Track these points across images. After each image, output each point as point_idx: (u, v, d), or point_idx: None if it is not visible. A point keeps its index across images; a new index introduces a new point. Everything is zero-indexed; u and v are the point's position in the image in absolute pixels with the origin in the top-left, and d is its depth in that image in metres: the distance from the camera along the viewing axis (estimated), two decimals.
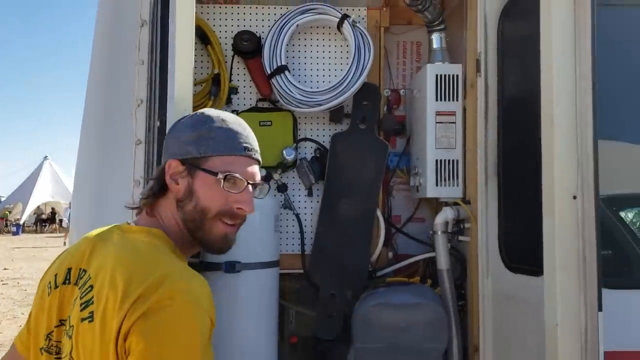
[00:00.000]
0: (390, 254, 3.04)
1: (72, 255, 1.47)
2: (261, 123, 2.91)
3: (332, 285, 2.82)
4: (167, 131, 1.71)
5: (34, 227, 33.77)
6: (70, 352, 1.32)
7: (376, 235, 2.93)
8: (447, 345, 2.63)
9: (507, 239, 2.47)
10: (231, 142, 1.48)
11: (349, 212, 2.83)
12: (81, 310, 1.32)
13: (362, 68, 2.77)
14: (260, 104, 2.97)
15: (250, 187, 1.49)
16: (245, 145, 1.49)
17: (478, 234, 2.58)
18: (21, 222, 31.60)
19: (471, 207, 2.71)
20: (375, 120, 2.88)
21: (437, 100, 2.77)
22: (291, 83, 2.78)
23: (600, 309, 1.92)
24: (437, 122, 2.76)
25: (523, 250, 2.38)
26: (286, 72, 2.79)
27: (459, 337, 2.69)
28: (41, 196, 32.94)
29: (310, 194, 2.96)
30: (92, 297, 1.31)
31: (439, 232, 2.72)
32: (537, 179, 2.14)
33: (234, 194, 1.45)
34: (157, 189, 1.49)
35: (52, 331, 1.40)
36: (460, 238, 2.76)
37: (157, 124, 2.05)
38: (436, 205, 3.07)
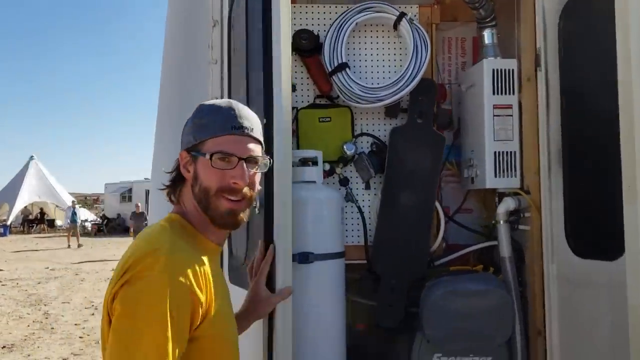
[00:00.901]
0: (444, 244, 3.11)
1: None
2: (320, 119, 2.97)
3: (393, 275, 2.89)
4: None
5: (21, 228, 33.38)
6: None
7: (435, 226, 3.00)
8: (512, 330, 2.72)
9: (574, 225, 2.56)
10: (221, 124, 1.62)
11: (409, 203, 2.90)
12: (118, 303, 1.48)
13: (421, 64, 2.84)
14: (317, 101, 3.02)
15: (243, 162, 1.61)
16: (233, 124, 1.62)
17: (543, 222, 2.67)
18: (8, 223, 31.21)
19: (530, 196, 2.79)
20: (431, 114, 2.95)
21: (494, 94, 2.84)
22: (352, 80, 2.85)
23: None
24: (494, 115, 2.85)
25: (594, 236, 2.47)
26: (347, 69, 2.85)
27: (521, 323, 2.78)
28: (28, 196, 32.56)
29: (367, 187, 3.02)
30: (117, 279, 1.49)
31: (502, 222, 2.81)
32: (604, 166, 2.23)
33: (227, 170, 1.60)
34: (178, 179, 1.67)
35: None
36: (520, 227, 2.84)
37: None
38: (484, 196, 3.15)
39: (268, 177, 1.92)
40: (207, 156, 1.59)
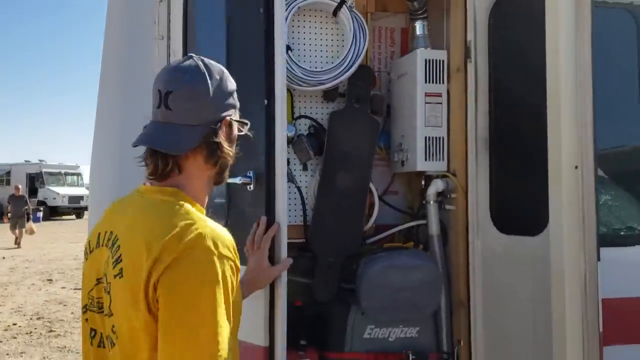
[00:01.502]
0: (374, 224, 3.29)
1: (100, 222, 1.61)
2: None
3: (329, 252, 3.03)
4: None
5: None
6: (109, 306, 1.48)
7: (369, 207, 3.17)
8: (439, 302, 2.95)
9: (498, 204, 2.81)
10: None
11: (346, 184, 3.05)
12: (113, 268, 1.46)
13: (359, 51, 2.99)
14: None
15: None
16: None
17: (469, 201, 2.91)
18: None
19: (457, 179, 3.02)
20: (367, 100, 3.11)
21: (425, 82, 3.04)
22: (294, 62, 2.94)
23: (599, 259, 2.31)
24: (426, 103, 3.04)
25: (517, 214, 2.74)
26: (289, 52, 2.93)
27: (446, 294, 3.02)
28: None
29: (305, 168, 3.13)
30: (120, 254, 1.46)
31: (432, 202, 3.02)
32: (528, 149, 2.49)
33: None
34: (204, 147, 1.64)
35: (92, 289, 1.55)
36: (447, 207, 3.07)
37: None
38: (409, 178, 3.36)
39: (269, 157, 1.99)
40: (248, 126, 1.61)
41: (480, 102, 2.90)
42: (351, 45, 2.98)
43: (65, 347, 7.59)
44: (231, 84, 1.60)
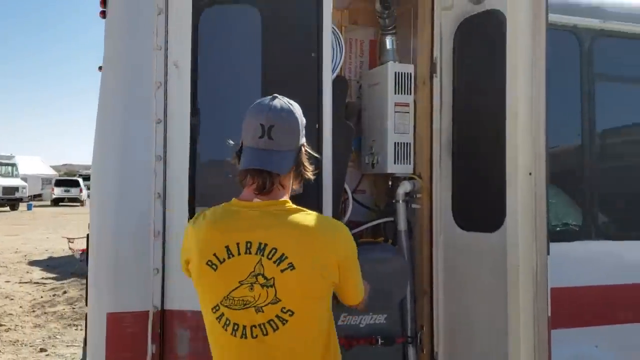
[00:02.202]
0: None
1: (212, 237, 1.93)
2: None
3: None
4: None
5: None
6: (275, 295, 1.85)
7: (342, 204, 3.48)
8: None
9: (460, 204, 3.17)
10: None
11: None
12: (277, 264, 1.85)
13: (337, 62, 3.29)
14: None
15: None
16: None
17: (433, 201, 3.26)
18: None
19: (422, 181, 3.37)
20: (343, 107, 3.41)
21: (395, 93, 3.37)
22: None
23: (548, 253, 2.69)
24: (395, 112, 3.37)
25: (477, 213, 3.10)
26: None
27: (411, 284, 3.37)
28: None
29: None
30: (283, 254, 1.85)
31: (400, 201, 3.35)
32: (487, 156, 2.85)
33: None
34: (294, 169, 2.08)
35: (233, 291, 1.88)
36: (413, 206, 3.41)
37: None
38: (375, 179, 3.69)
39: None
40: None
41: (444, 113, 3.25)
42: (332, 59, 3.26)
43: (17, 340, 7.59)
44: (303, 117, 2.03)
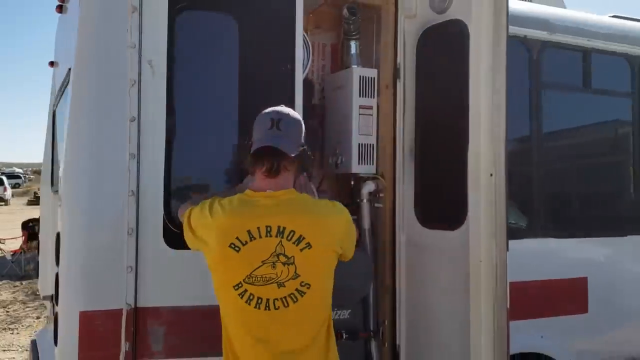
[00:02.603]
0: None
1: (233, 222, 2.24)
2: None
3: None
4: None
5: None
6: (295, 271, 2.22)
7: None
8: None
9: (422, 203, 3.33)
10: None
11: None
12: (297, 244, 2.21)
13: (305, 66, 3.38)
14: None
15: None
16: None
17: (396, 200, 3.42)
18: None
19: (384, 180, 3.52)
20: (308, 109, 3.51)
21: (360, 96, 3.50)
22: None
23: (507, 249, 2.88)
24: (360, 114, 3.50)
25: (438, 211, 3.27)
26: None
27: (374, 281, 3.51)
28: None
29: None
30: (301, 235, 2.21)
31: (365, 200, 3.49)
32: (448, 158, 3.04)
33: None
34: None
35: (256, 269, 2.20)
36: (376, 205, 3.55)
37: None
38: (336, 179, 3.81)
39: None
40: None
41: (407, 116, 3.41)
42: None
43: None
44: None
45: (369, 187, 3.52)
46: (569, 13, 4.30)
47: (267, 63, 3.07)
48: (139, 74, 2.80)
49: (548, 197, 3.98)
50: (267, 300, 2.21)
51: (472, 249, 2.96)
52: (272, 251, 2.20)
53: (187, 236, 2.40)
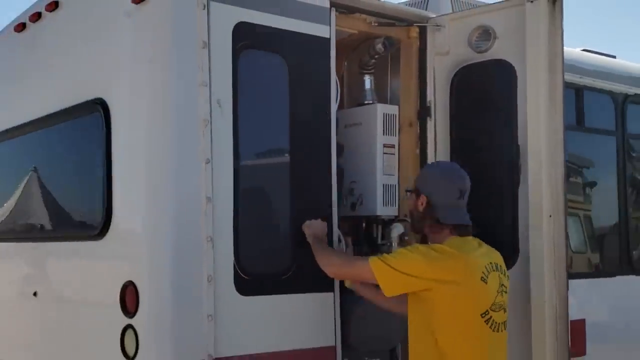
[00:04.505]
0: None
1: (475, 260, 2.67)
2: None
3: None
4: None
5: None
6: (506, 301, 2.74)
7: None
8: None
9: None
10: None
11: None
12: (507, 278, 2.78)
13: (336, 102, 3.25)
14: None
15: None
16: None
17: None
18: None
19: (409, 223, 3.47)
20: None
21: (383, 134, 3.43)
22: None
23: (567, 288, 2.99)
24: (384, 153, 3.43)
25: None
26: None
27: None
28: None
29: None
30: (504, 269, 2.76)
31: (395, 244, 3.41)
32: (491, 200, 3.13)
33: None
34: None
35: (496, 297, 2.65)
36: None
37: None
38: (351, 222, 3.68)
39: None
40: None
41: (440, 155, 3.42)
42: None
43: None
44: None
45: (398, 229, 3.47)
46: None
47: (309, 102, 3.07)
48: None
49: None
50: (499, 324, 2.71)
51: (533, 289, 3.03)
52: (499, 281, 2.74)
53: None
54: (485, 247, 2.78)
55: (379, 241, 3.59)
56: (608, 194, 4.46)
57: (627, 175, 4.49)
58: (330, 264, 2.86)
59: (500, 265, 2.75)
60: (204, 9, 2.66)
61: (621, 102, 4.43)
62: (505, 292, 2.72)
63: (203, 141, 2.59)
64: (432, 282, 2.60)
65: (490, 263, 2.69)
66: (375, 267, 2.68)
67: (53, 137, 3.39)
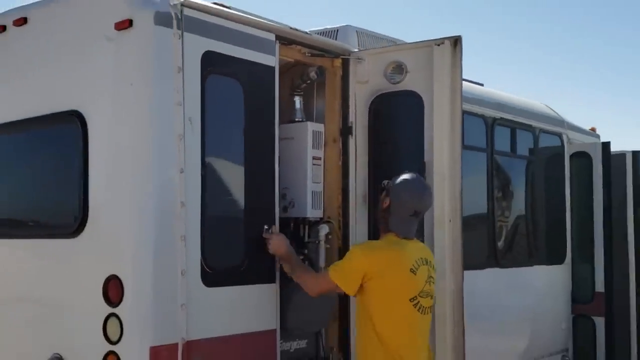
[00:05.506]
0: None
1: (406, 255, 3.20)
2: None
3: None
4: None
5: None
6: (433, 289, 3.33)
7: None
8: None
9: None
10: None
11: None
12: (435, 270, 3.35)
13: None
14: None
15: None
16: None
17: (350, 242, 4.00)
18: None
19: (333, 224, 4.08)
20: None
21: (312, 148, 4.02)
22: None
23: (462, 275, 3.71)
24: (313, 164, 4.02)
25: None
26: None
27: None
28: None
29: None
30: (433, 264, 3.34)
31: (322, 241, 4.00)
32: None
33: None
34: None
35: (424, 286, 3.20)
36: (326, 246, 4.08)
37: None
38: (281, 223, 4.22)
39: None
40: None
41: (360, 168, 4.10)
42: None
43: None
44: None
45: (324, 229, 4.04)
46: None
47: (260, 119, 3.63)
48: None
49: None
50: (426, 308, 3.25)
51: (438, 276, 3.71)
52: (428, 273, 3.31)
53: None
54: (419, 245, 3.34)
55: (306, 239, 4.19)
56: (480, 201, 5.31)
57: (495, 185, 5.40)
58: (305, 287, 3.40)
59: (430, 261, 3.30)
60: (179, 38, 3.12)
61: (491, 124, 5.43)
62: (433, 283, 3.28)
63: (178, 154, 3.05)
64: (370, 272, 3.11)
65: (421, 258, 3.24)
66: (334, 277, 3.22)
67: (30, 140, 3.68)
